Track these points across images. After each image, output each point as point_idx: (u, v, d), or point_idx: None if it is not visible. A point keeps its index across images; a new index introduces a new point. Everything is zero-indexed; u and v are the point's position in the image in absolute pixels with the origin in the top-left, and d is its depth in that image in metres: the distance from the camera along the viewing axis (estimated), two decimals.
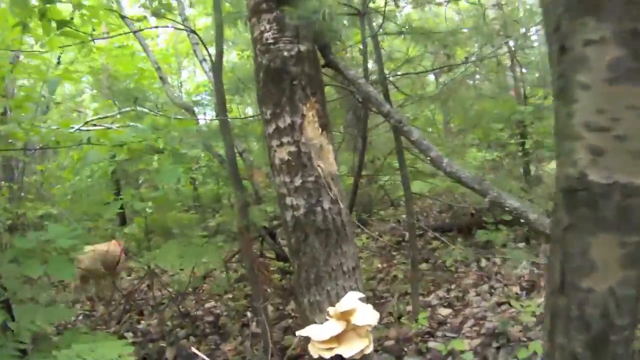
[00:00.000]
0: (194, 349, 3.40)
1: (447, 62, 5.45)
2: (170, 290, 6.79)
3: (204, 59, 6.32)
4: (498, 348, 4.56)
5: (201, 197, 8.63)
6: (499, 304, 5.44)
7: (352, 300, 3.08)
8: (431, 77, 9.09)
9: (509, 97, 7.98)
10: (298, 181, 3.04)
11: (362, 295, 3.12)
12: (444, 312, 5.51)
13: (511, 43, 7.34)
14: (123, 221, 9.15)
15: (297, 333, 3.02)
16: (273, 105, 3.11)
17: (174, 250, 5.01)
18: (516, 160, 7.93)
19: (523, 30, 7.28)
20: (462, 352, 4.53)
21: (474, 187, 2.93)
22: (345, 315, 3.01)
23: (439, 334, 4.99)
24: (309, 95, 3.12)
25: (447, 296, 5.96)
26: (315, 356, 2.98)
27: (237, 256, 6.86)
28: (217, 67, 4.40)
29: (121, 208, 6.63)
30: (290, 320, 5.91)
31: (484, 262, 6.66)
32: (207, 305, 6.98)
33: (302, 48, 3.16)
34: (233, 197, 4.65)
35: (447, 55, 5.27)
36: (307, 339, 3.04)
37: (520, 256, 5.81)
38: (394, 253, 7.82)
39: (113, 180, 8.61)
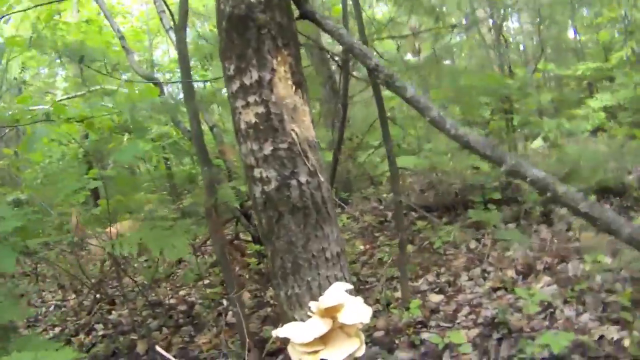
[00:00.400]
0: (158, 349, 2.82)
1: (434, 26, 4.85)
2: (142, 277, 6.18)
3: (170, 28, 5.66)
4: (499, 339, 4.01)
5: (175, 177, 7.96)
6: (494, 290, 4.90)
7: (338, 293, 2.49)
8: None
9: (494, 72, 7.44)
10: (268, 148, 2.44)
11: (349, 286, 2.54)
12: (435, 298, 4.95)
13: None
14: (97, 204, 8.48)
15: (274, 333, 2.42)
16: (237, 59, 2.49)
17: (137, 235, 4.38)
18: (502, 137, 7.39)
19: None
20: (459, 344, 3.98)
21: (485, 153, 2.36)
22: (330, 312, 2.42)
23: (432, 323, 4.44)
24: (280, 47, 2.50)
25: (438, 281, 5.41)
26: None
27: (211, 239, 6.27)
28: (180, 27, 3.78)
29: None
30: (269, 309, 5.34)
31: (473, 244, 6.11)
32: (181, 293, 6.40)
33: None
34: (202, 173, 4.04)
35: (435, 18, 4.67)
36: (286, 339, 2.46)
37: (519, 238, 5.24)
38: (377, 234, 7.25)
39: (85, 162, 7.95)
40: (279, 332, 2.43)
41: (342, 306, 2.43)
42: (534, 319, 4.19)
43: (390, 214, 7.78)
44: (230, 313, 5.36)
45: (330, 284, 2.55)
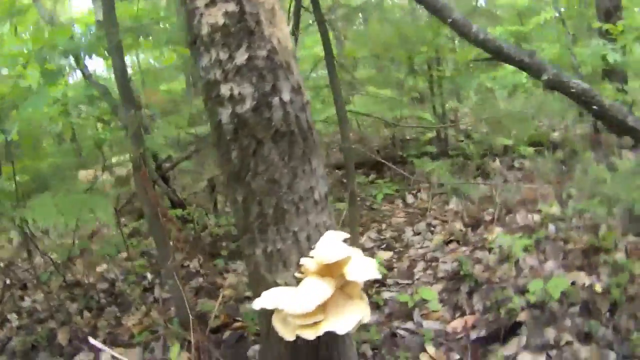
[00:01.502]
0: (92, 341, 2.08)
1: None
2: (54, 256, 5.20)
3: None
4: (469, 293, 3.53)
5: (82, 147, 6.87)
6: (446, 243, 4.45)
7: (337, 244, 1.84)
8: None
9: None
10: (242, 57, 1.72)
11: (345, 235, 1.90)
12: (385, 255, 4.45)
13: None
14: None
15: (258, 304, 1.74)
16: None
17: (50, 202, 3.44)
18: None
19: None
20: (426, 301, 3.47)
21: (523, 60, 1.80)
22: (332, 269, 1.77)
23: (389, 281, 3.91)
24: None
25: (381, 237, 4.91)
26: (290, 337, 1.74)
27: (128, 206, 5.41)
28: None
29: None
30: (200, 280, 4.61)
31: (410, 198, 5.64)
32: (98, 269, 5.47)
33: None
34: (123, 120, 3.21)
35: None
36: (264, 311, 1.78)
37: (468, 189, 4.79)
38: None
39: None
40: (264, 302, 1.74)
41: (347, 260, 1.79)
42: (497, 269, 3.76)
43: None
44: (157, 288, 4.58)
45: (320, 234, 1.90)
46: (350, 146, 3.90)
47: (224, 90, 1.75)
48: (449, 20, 1.84)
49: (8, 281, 5.04)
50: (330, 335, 1.72)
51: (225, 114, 1.77)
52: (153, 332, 3.70)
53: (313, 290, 1.70)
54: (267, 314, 1.88)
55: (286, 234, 1.83)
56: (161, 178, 5.12)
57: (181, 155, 5.07)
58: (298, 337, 1.72)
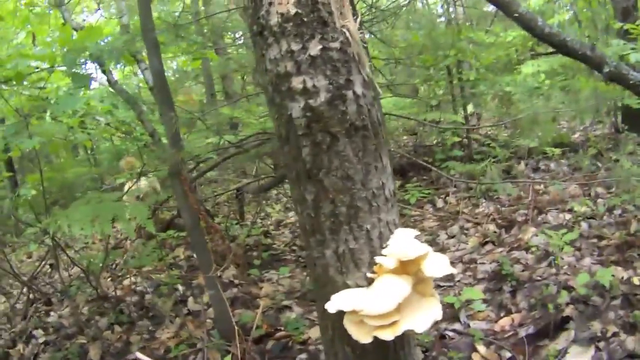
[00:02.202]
0: (139, 355, 2.00)
1: None
2: (81, 267, 5.10)
3: None
4: (512, 292, 3.46)
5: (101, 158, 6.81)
6: (482, 245, 4.37)
7: (412, 241, 1.77)
8: None
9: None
10: (315, 48, 1.65)
11: (416, 232, 1.82)
12: None
13: None
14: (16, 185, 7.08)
15: (333, 306, 1.66)
16: None
17: (85, 209, 3.34)
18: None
19: None
20: (469, 301, 3.40)
21: (585, 53, 1.75)
22: (408, 266, 1.69)
23: None
24: None
25: None
26: (366, 340, 1.66)
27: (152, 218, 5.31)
28: None
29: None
30: (235, 290, 4.52)
31: (440, 203, 5.57)
32: (126, 282, 5.37)
33: None
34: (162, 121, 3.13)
35: None
36: (329, 314, 1.70)
37: (509, 189, 4.72)
38: None
39: None
40: (340, 304, 1.67)
41: (425, 256, 1.71)
42: (537, 268, 3.70)
43: None
44: (190, 300, 4.49)
45: (391, 232, 1.83)
46: (388, 149, 3.82)
47: (296, 82, 1.68)
48: (515, 14, 1.79)
49: (32, 295, 4.95)
50: (398, 337, 1.64)
51: (296, 107, 1.69)
52: (191, 346, 3.61)
53: (391, 289, 1.63)
54: (330, 318, 1.80)
55: (359, 233, 1.76)
56: None
57: (208, 165, 4.99)
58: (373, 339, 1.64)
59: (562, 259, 3.80)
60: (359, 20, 1.79)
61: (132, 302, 4.74)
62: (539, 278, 3.56)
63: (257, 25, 1.75)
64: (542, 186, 5.30)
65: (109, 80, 4.72)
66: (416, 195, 5.37)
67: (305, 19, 1.65)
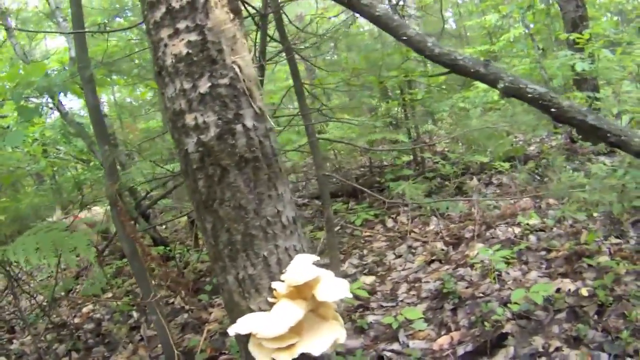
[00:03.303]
0: None
1: None
2: (40, 297, 5.14)
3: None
4: (453, 309, 3.53)
5: (62, 185, 6.82)
6: (428, 263, 4.44)
7: (306, 266, 1.84)
8: None
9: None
10: (205, 85, 1.74)
11: (315, 257, 1.90)
12: (368, 280, 4.43)
13: None
14: None
15: (232, 330, 1.73)
16: None
17: (30, 241, 3.41)
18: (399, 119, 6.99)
19: None
20: (411, 321, 3.46)
21: (478, 70, 1.83)
22: (303, 291, 1.77)
23: (373, 305, 3.89)
24: None
25: (363, 262, 4.89)
26: None
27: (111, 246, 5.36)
28: None
29: None
30: (185, 315, 4.56)
31: (390, 222, 5.64)
32: (85, 309, 5.41)
33: None
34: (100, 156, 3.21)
35: None
36: (241, 337, 1.78)
37: (450, 206, 4.81)
38: None
39: None
40: (239, 327, 1.73)
41: (318, 281, 1.79)
42: (481, 284, 3.77)
43: (299, 199, 7.20)
44: (144, 326, 4.53)
45: (291, 257, 1.90)
46: (323, 173, 3.91)
47: (189, 119, 1.77)
48: (404, 37, 1.87)
49: None
50: (309, 358, 1.71)
51: (191, 143, 1.78)
52: None
53: (285, 313, 1.70)
54: (244, 341, 1.87)
55: (256, 260, 1.83)
56: (142, 216, 5.09)
57: (160, 193, 5.05)
58: None
59: (508, 273, 3.89)
60: (256, 53, 1.87)
61: (89, 329, 4.79)
62: (481, 295, 3.63)
63: (156, 65, 1.84)
64: (492, 198, 5.42)
65: (59, 111, 4.80)
66: (362, 216, 5.45)
67: (195, 59, 1.74)
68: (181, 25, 1.77)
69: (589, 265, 3.71)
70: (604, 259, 3.75)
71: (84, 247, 3.29)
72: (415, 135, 6.73)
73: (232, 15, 1.86)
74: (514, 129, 6.30)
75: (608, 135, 1.89)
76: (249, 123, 1.79)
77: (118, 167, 3.83)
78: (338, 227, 5.75)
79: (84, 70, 3.06)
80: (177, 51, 1.77)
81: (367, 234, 5.40)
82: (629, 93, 6.74)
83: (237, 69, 1.79)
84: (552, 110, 1.86)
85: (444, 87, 7.05)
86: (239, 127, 1.76)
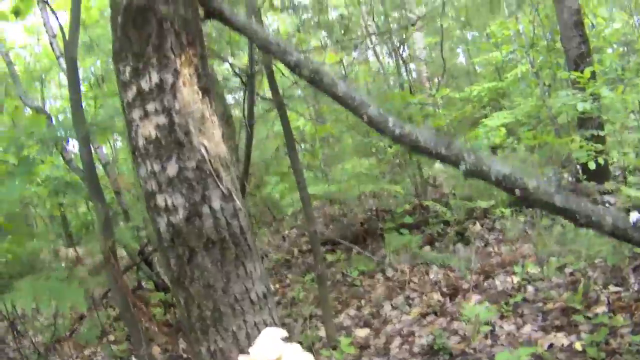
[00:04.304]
0: None
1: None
2: (42, 338, 5.24)
3: (61, 54, 4.94)
4: None
5: (70, 224, 6.99)
6: (423, 315, 4.46)
7: (272, 341, 1.92)
8: None
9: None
10: (173, 169, 1.86)
11: (283, 332, 1.96)
12: (362, 333, 4.43)
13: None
14: None
15: None
16: (134, 58, 1.91)
17: (28, 288, 3.56)
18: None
19: None
20: None
21: (440, 152, 1.90)
22: None
23: None
24: (184, 45, 1.95)
25: (360, 314, 4.89)
26: None
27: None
28: (71, 41, 3.16)
29: None
30: None
31: (390, 272, 5.65)
32: (86, 352, 5.49)
33: None
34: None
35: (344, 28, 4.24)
36: None
37: (445, 259, 4.84)
38: (285, 272, 6.62)
39: None
40: None
41: (280, 357, 1.87)
42: (473, 339, 3.78)
43: (296, 250, 7.23)
44: None
45: (260, 331, 1.98)
46: (314, 230, 3.98)
47: (160, 200, 1.87)
48: (365, 117, 1.94)
49: None
50: None
51: (162, 223, 1.89)
52: None
53: None
54: None
55: (225, 334, 1.91)
56: (144, 262, 5.20)
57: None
58: None
59: (502, 327, 3.89)
60: (221, 132, 1.98)
61: None
62: (472, 351, 3.64)
63: (130, 145, 1.96)
64: (494, 247, 5.43)
65: (63, 158, 4.97)
66: (358, 268, 5.47)
67: (163, 142, 1.86)
68: (150, 107, 1.88)
69: (586, 317, 3.70)
70: (602, 309, 3.73)
71: (79, 301, 3.43)
72: (419, 179, 6.77)
73: (201, 94, 1.98)
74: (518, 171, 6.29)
75: (577, 217, 1.92)
76: (216, 205, 1.89)
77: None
78: (338, 276, 5.78)
79: (80, 126, 3.20)
80: (147, 133, 1.88)
81: (367, 283, 5.41)
82: (631, 132, 6.74)
83: (204, 151, 1.89)
84: (517, 191, 1.90)
85: (452, 127, 7.13)
86: (205, 210, 1.86)
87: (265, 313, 2.02)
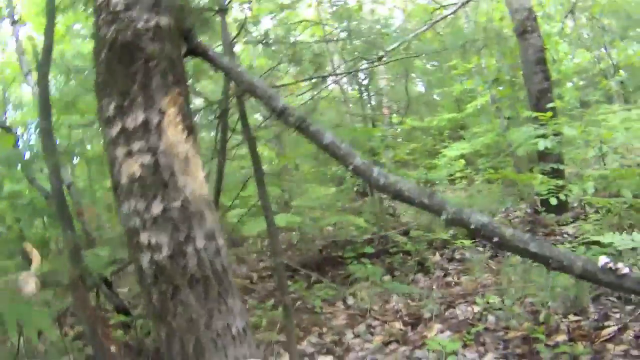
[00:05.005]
0: None
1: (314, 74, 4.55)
2: None
3: (30, 71, 4.90)
4: None
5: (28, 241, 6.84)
6: (385, 344, 4.54)
7: None
8: None
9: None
10: (157, 208, 1.91)
11: None
12: None
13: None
14: None
15: None
16: (119, 96, 1.96)
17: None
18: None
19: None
20: None
21: (422, 202, 2.02)
22: None
23: None
24: (170, 84, 2.02)
25: (322, 342, 4.93)
26: None
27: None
28: (44, 61, 3.18)
29: None
30: None
31: (351, 300, 5.73)
32: None
33: (163, 22, 2.07)
34: (61, 240, 3.35)
35: (316, 66, 4.37)
36: None
37: (406, 288, 4.96)
38: (245, 297, 6.63)
39: None
40: None
41: None
42: None
43: (255, 276, 7.24)
44: None
45: None
46: (281, 261, 4.04)
47: (143, 238, 1.92)
48: (350, 167, 2.05)
49: None
50: None
51: (145, 260, 1.93)
52: None
53: None
54: None
55: None
56: (104, 282, 5.14)
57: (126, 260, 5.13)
58: None
59: (465, 356, 4.01)
60: (204, 173, 2.05)
61: None
62: None
63: (113, 181, 2.01)
64: (454, 277, 5.58)
65: (28, 179, 4.92)
66: (319, 302, 5.53)
67: (148, 182, 1.91)
68: (135, 146, 1.93)
69: (547, 345, 3.83)
70: (562, 337, 3.87)
71: (43, 323, 3.39)
72: (378, 209, 6.92)
73: (186, 134, 2.05)
74: (477, 203, 6.52)
75: (550, 261, 2.08)
76: (200, 244, 1.95)
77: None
78: (300, 303, 5.82)
79: (51, 155, 3.21)
80: (131, 172, 1.93)
81: (328, 310, 5.47)
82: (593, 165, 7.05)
83: (188, 192, 1.96)
84: (495, 239, 2.05)
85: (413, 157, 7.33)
86: (190, 249, 1.92)
87: (245, 347, 2.07)
